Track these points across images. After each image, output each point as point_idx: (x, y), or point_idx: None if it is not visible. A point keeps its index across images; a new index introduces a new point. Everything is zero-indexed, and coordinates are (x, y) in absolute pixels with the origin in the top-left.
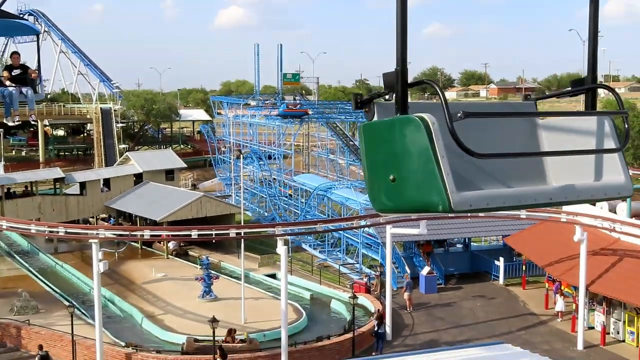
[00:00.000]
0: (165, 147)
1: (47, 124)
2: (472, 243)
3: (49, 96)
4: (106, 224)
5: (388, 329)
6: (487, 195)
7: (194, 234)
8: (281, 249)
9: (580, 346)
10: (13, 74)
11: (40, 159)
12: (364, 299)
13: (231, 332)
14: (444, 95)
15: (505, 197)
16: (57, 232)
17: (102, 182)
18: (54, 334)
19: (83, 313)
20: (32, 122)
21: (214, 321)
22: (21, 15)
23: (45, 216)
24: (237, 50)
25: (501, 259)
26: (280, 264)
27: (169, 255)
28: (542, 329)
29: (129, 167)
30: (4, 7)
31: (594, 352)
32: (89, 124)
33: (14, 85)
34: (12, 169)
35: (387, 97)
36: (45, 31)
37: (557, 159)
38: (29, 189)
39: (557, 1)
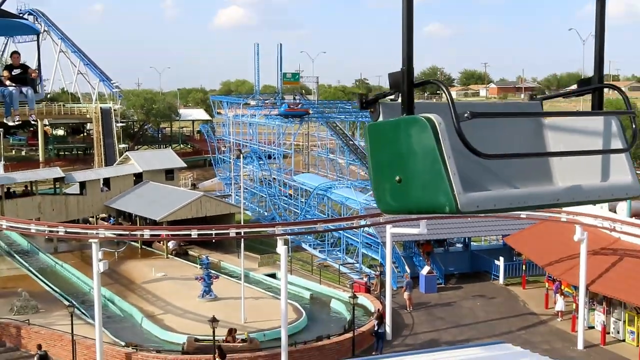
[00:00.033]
0: (165, 147)
1: (47, 123)
2: (472, 243)
3: (48, 96)
4: (106, 223)
5: (388, 329)
6: (494, 196)
7: (194, 233)
8: (281, 248)
9: (580, 346)
10: (13, 73)
11: (40, 159)
12: (363, 299)
13: (232, 331)
14: (450, 95)
15: (512, 198)
16: (57, 231)
17: (102, 181)
18: (54, 333)
19: (83, 313)
20: (32, 122)
21: (213, 321)
22: (21, 15)
23: (45, 216)
24: (236, 50)
25: (501, 258)
26: (280, 264)
27: (169, 255)
28: (542, 329)
29: (129, 167)
30: (3, 7)
31: (594, 352)
32: (88, 124)
33: (14, 84)
34: (12, 168)
35: (392, 97)
36: (45, 31)
37: (562, 159)
38: (29, 188)
39: (557, 1)
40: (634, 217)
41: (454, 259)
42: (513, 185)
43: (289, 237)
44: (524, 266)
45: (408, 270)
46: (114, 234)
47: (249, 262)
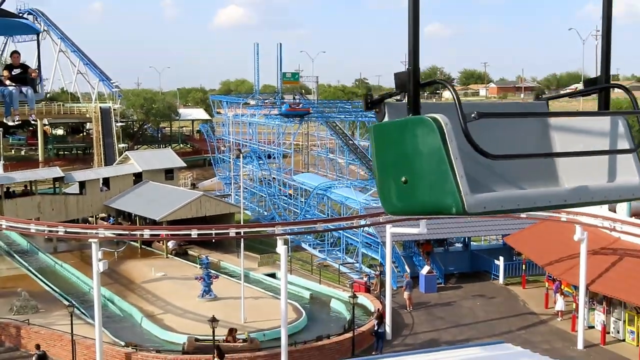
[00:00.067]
0: (165, 147)
1: (47, 123)
2: (471, 242)
3: (48, 95)
4: (106, 223)
5: (388, 329)
6: (501, 197)
7: (194, 233)
8: (281, 248)
9: (580, 345)
10: (13, 73)
11: (40, 158)
12: (363, 299)
13: (232, 331)
14: (457, 95)
15: (520, 199)
16: (57, 231)
17: (101, 181)
18: (54, 333)
19: (83, 313)
20: (32, 122)
21: (213, 321)
22: (20, 15)
23: (45, 215)
24: (236, 49)
25: (501, 258)
26: (279, 264)
27: (169, 255)
28: (542, 329)
29: (129, 167)
30: (3, 6)
31: (594, 352)
32: (88, 123)
33: (14, 84)
34: (12, 168)
35: (397, 97)
36: (44, 30)
37: (568, 160)
38: (29, 188)
39: (557, 1)
40: (633, 217)
41: (453, 259)
42: (519, 186)
43: (288, 236)
44: (523, 266)
45: (408, 270)
46: (114, 233)
47: (248, 261)
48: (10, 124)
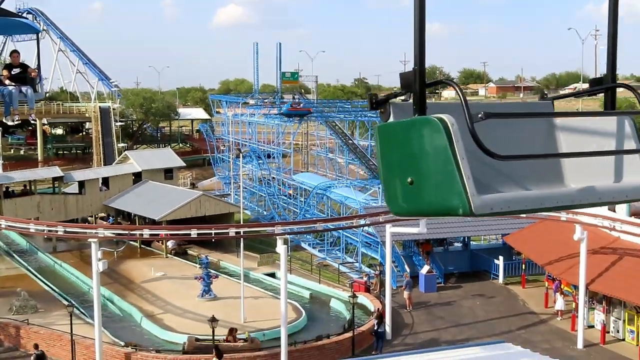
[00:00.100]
0: (164, 146)
1: (46, 122)
2: (471, 242)
3: (47, 94)
4: (105, 223)
5: (388, 328)
6: (508, 198)
7: (194, 233)
8: (281, 248)
9: (580, 345)
10: (13, 72)
11: (39, 158)
12: (363, 298)
13: (232, 331)
14: (464, 95)
15: (527, 200)
16: (56, 231)
17: (100, 181)
18: (53, 333)
19: (82, 312)
20: (32, 121)
21: (213, 320)
22: (20, 14)
23: (44, 215)
24: (236, 49)
25: (501, 257)
26: (279, 263)
27: (168, 255)
28: (542, 328)
29: (128, 166)
30: (3, 6)
31: (594, 351)
32: (87, 123)
33: (13, 84)
34: (11, 167)
35: (403, 97)
36: (43, 29)
37: (574, 160)
38: (28, 187)
39: (557, 1)
40: (633, 216)
41: (453, 258)
42: (524, 186)
43: (288, 236)
44: (523, 265)
45: (408, 270)
46: (113, 233)
47: (248, 261)
48: (10, 123)
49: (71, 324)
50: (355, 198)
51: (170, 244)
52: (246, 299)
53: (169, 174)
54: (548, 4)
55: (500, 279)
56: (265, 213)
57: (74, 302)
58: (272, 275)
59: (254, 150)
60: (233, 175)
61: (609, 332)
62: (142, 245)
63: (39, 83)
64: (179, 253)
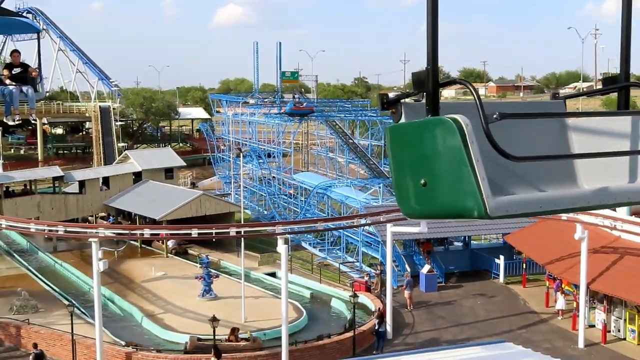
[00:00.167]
0: (165, 146)
1: (46, 122)
2: (472, 241)
3: (47, 94)
4: (105, 222)
5: (389, 328)
6: (523, 199)
7: (194, 232)
8: (281, 247)
9: (581, 344)
10: (13, 72)
11: (39, 158)
12: (364, 298)
13: (234, 331)
14: (478, 95)
15: (542, 201)
16: (57, 231)
17: (101, 180)
18: (54, 333)
19: (83, 312)
20: (32, 121)
21: (214, 320)
22: (20, 13)
23: (45, 215)
24: (236, 48)
25: (501, 257)
26: (280, 263)
27: (169, 254)
28: (543, 327)
29: (128, 166)
30: (3, 5)
31: (595, 350)
32: (87, 122)
33: (14, 83)
34: (11, 167)
35: (414, 97)
36: (43, 29)
37: (588, 160)
38: (28, 187)
39: (556, 0)
40: (633, 216)
41: (454, 258)
42: (538, 187)
43: (289, 236)
44: (524, 265)
45: (408, 269)
46: (114, 233)
47: (249, 261)
48: (11, 123)
49: (72, 323)
50: (355, 197)
51: (170, 243)
52: (247, 298)
53: (169, 173)
54: (548, 3)
55: (501, 279)
56: (265, 212)
57: (74, 302)
58: (273, 274)
59: (254, 150)
60: (233, 174)
61: (609, 332)
62: (143, 245)
63: (40, 83)
64: (179, 253)
